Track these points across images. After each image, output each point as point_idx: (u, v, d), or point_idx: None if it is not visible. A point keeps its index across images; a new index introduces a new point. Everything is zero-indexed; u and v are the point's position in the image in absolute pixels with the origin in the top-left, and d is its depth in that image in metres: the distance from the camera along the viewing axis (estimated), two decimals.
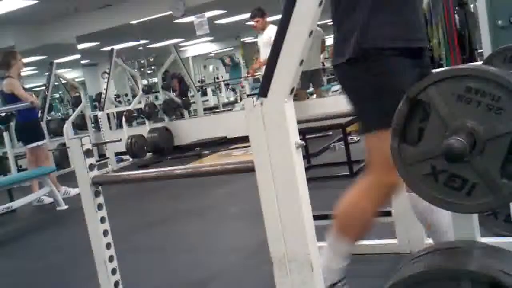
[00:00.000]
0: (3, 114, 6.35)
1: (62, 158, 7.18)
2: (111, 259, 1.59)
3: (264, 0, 6.98)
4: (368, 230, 1.75)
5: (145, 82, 9.73)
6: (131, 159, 7.48)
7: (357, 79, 1.59)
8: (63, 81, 8.76)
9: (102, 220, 1.58)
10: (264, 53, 6.77)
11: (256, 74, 8.19)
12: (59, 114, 11.12)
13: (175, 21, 8.84)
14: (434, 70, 1.57)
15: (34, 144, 5.42)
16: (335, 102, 7.15)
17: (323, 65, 9.59)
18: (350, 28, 1.55)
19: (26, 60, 10.12)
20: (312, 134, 5.69)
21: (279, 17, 1.23)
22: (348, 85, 1.64)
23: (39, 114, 6.43)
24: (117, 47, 8.12)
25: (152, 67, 10.70)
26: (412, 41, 1.57)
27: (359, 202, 1.66)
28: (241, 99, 10.07)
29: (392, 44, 1.52)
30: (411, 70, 1.53)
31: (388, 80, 1.53)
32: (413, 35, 1.58)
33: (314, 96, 8.12)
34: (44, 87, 7.69)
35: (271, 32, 6.48)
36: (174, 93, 9.10)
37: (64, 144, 7.45)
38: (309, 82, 7.53)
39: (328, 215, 2.54)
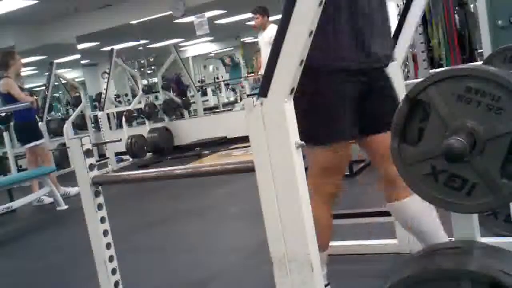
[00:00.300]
0: (3, 114, 6.35)
1: (62, 158, 7.18)
2: (111, 259, 1.59)
3: (264, 0, 6.97)
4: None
5: (145, 82, 9.73)
6: (131, 159, 7.48)
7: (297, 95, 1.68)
8: (63, 81, 8.76)
9: (102, 220, 1.58)
10: (265, 53, 6.74)
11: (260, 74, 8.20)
12: (59, 114, 11.12)
13: (175, 21, 8.84)
14: (433, 70, 1.59)
15: (31, 144, 5.42)
16: None
17: None
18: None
19: (26, 60, 10.12)
20: None
21: (279, 17, 1.24)
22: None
23: (37, 114, 6.42)
24: (117, 47, 8.12)
25: (152, 67, 10.70)
26: (346, 62, 1.64)
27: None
28: (241, 99, 10.07)
29: (326, 64, 1.62)
30: (347, 89, 1.60)
31: (317, 99, 1.64)
32: (349, 57, 1.64)
33: None
34: (44, 87, 7.70)
35: (272, 31, 6.47)
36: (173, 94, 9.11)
37: (64, 144, 7.45)
38: None
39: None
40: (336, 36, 1.63)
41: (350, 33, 1.64)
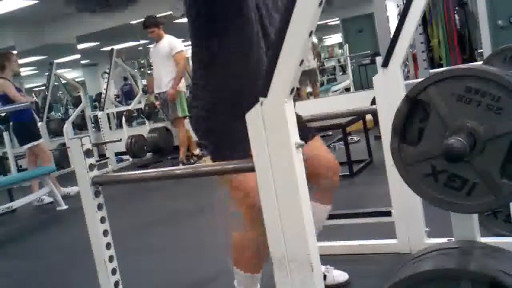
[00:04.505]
0: (2, 115, 6.35)
1: (62, 158, 7.17)
2: (111, 259, 1.59)
3: None
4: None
5: (145, 82, 9.73)
6: (131, 159, 7.48)
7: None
8: (63, 81, 8.76)
9: (102, 220, 1.58)
10: (163, 68, 6.08)
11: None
12: (59, 114, 11.11)
13: (175, 21, 8.84)
14: (433, 70, 1.58)
15: (29, 145, 5.43)
16: (335, 102, 7.17)
17: (323, 65, 9.72)
18: (196, 84, 1.83)
19: (26, 60, 10.11)
20: None
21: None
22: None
23: (37, 114, 6.41)
24: (117, 47, 8.11)
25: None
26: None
27: (239, 233, 1.75)
28: None
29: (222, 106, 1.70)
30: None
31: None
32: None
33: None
34: (44, 87, 7.69)
35: (169, 43, 5.93)
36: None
37: (64, 144, 7.44)
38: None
39: (327, 215, 2.54)
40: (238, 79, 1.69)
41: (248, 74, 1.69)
